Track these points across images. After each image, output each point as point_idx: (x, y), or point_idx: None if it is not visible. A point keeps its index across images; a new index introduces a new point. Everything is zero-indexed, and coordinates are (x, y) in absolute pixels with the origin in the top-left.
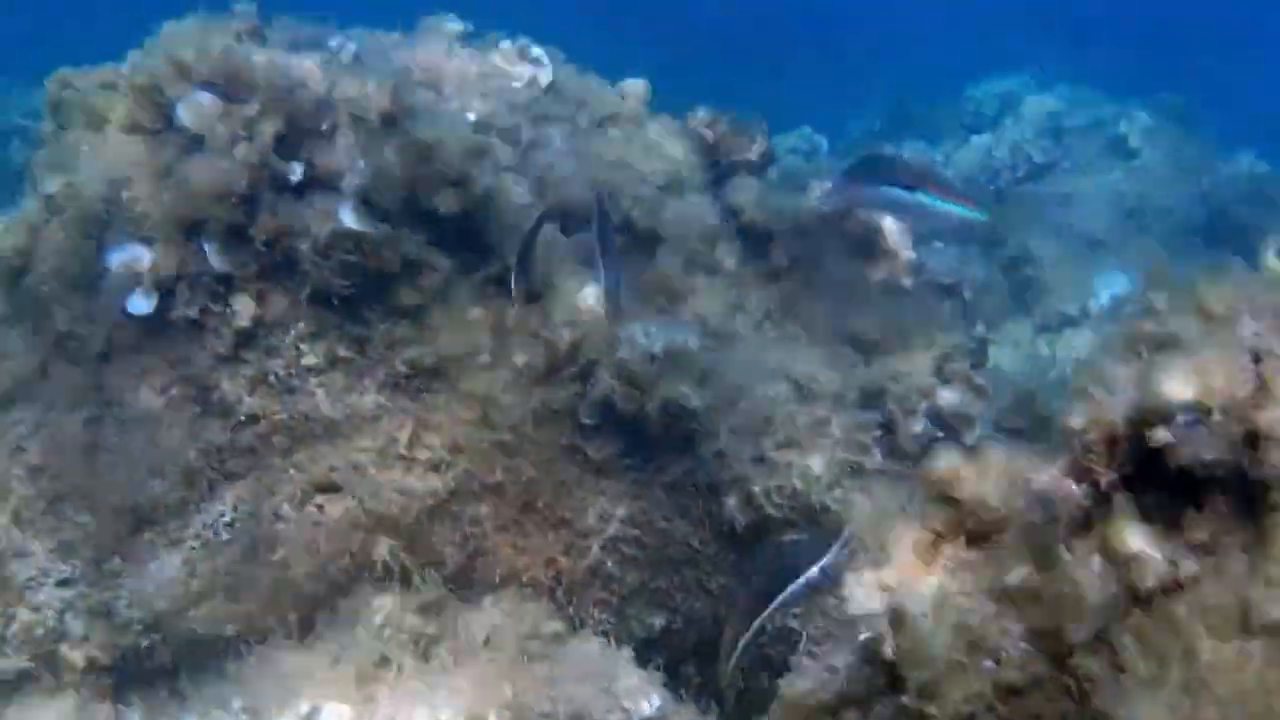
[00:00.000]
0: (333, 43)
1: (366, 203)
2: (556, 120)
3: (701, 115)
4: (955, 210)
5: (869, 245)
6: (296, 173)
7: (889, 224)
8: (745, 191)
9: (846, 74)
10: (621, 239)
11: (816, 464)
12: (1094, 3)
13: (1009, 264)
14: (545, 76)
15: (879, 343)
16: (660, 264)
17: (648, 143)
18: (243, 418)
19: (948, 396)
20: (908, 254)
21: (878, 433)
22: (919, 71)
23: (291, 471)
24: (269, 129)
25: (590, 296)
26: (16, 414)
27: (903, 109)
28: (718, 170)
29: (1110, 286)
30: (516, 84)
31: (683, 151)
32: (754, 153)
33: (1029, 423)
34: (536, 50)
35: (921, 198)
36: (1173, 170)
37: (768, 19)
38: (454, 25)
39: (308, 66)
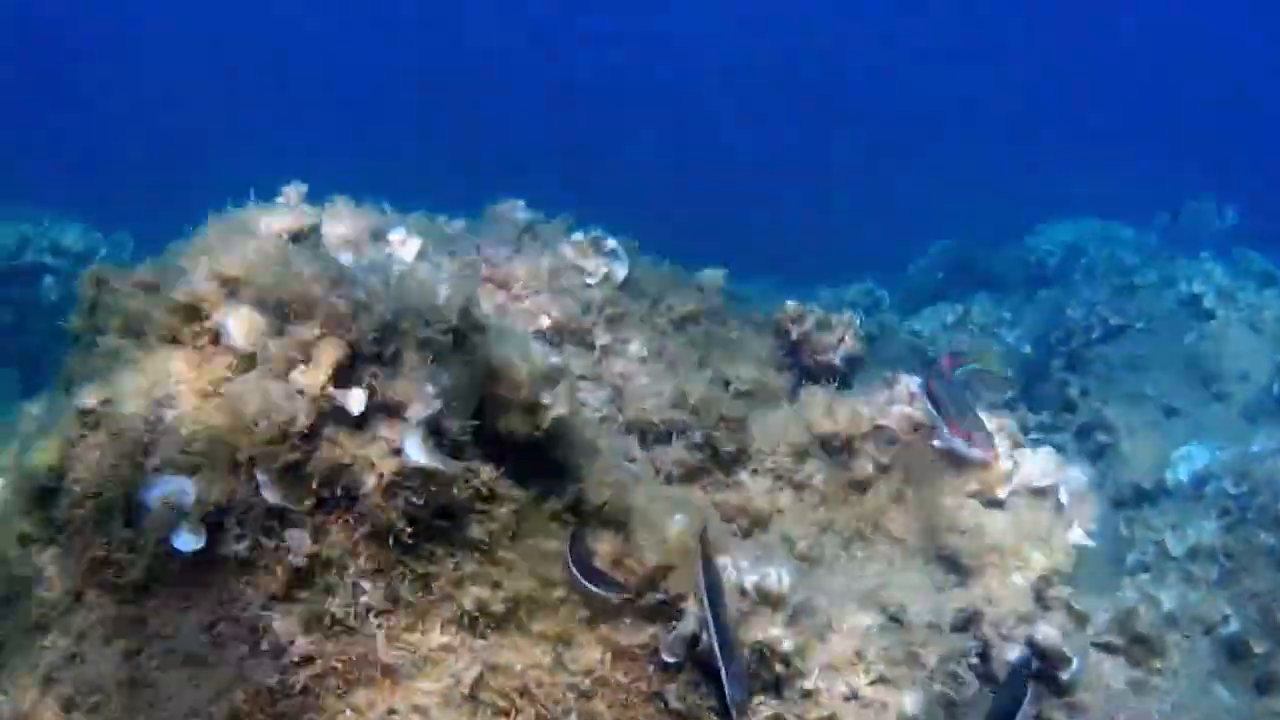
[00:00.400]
0: (393, 235)
1: (435, 432)
2: (632, 321)
3: (790, 309)
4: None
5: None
6: (359, 402)
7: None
8: (817, 404)
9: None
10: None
11: (909, 703)
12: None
13: (1081, 431)
14: (620, 271)
15: (972, 565)
16: (745, 485)
17: (729, 342)
18: (296, 659)
19: (1046, 631)
20: (1003, 463)
21: (974, 659)
22: (978, 212)
23: (348, 713)
24: (329, 358)
25: (678, 523)
26: (48, 642)
27: (963, 255)
28: (803, 372)
29: (1188, 460)
30: (590, 280)
31: (767, 350)
32: (838, 355)
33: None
34: (610, 242)
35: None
36: (1250, 332)
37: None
38: (523, 215)
39: (372, 285)
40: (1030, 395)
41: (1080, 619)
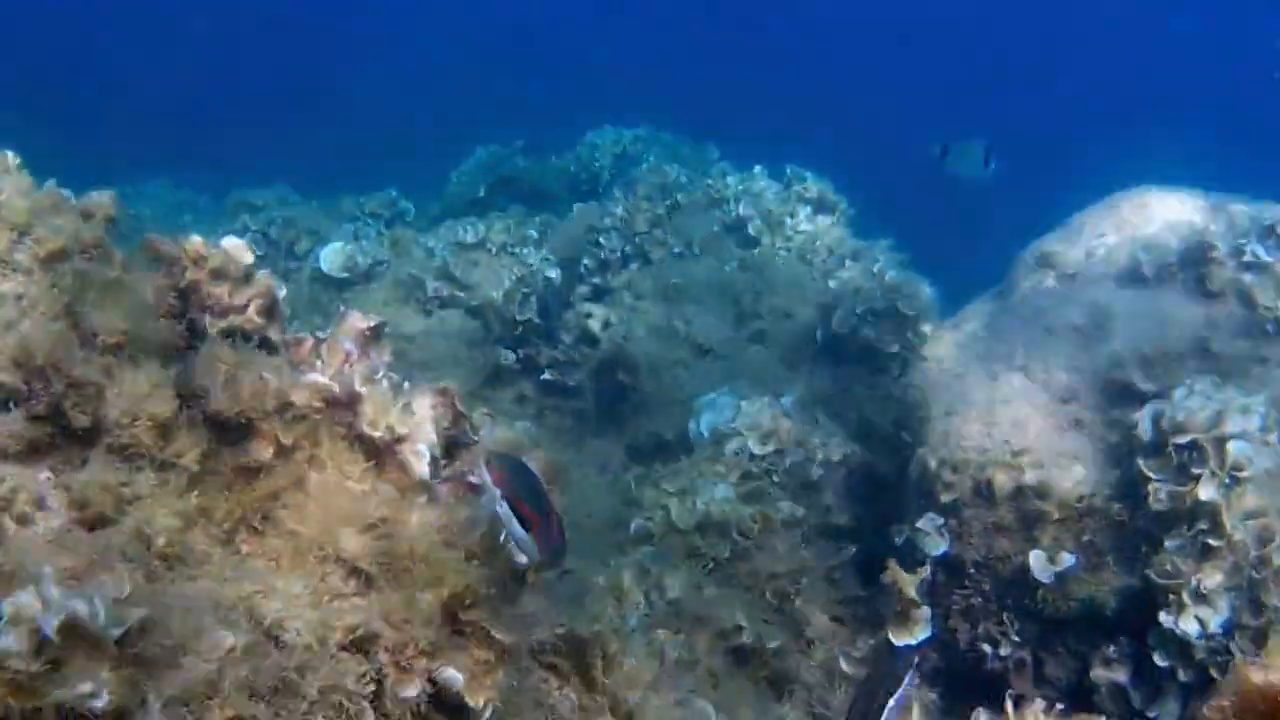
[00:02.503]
0: None
1: None
2: None
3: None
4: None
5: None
6: None
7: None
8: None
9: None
10: None
11: None
12: None
13: (600, 368)
14: None
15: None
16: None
17: (108, 284)
18: None
19: (449, 676)
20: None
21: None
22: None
23: None
24: None
25: None
26: None
27: (505, 164)
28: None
29: (713, 410)
30: None
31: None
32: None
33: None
34: None
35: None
36: (800, 264)
37: None
38: None
39: None
40: (549, 327)
41: (499, 650)
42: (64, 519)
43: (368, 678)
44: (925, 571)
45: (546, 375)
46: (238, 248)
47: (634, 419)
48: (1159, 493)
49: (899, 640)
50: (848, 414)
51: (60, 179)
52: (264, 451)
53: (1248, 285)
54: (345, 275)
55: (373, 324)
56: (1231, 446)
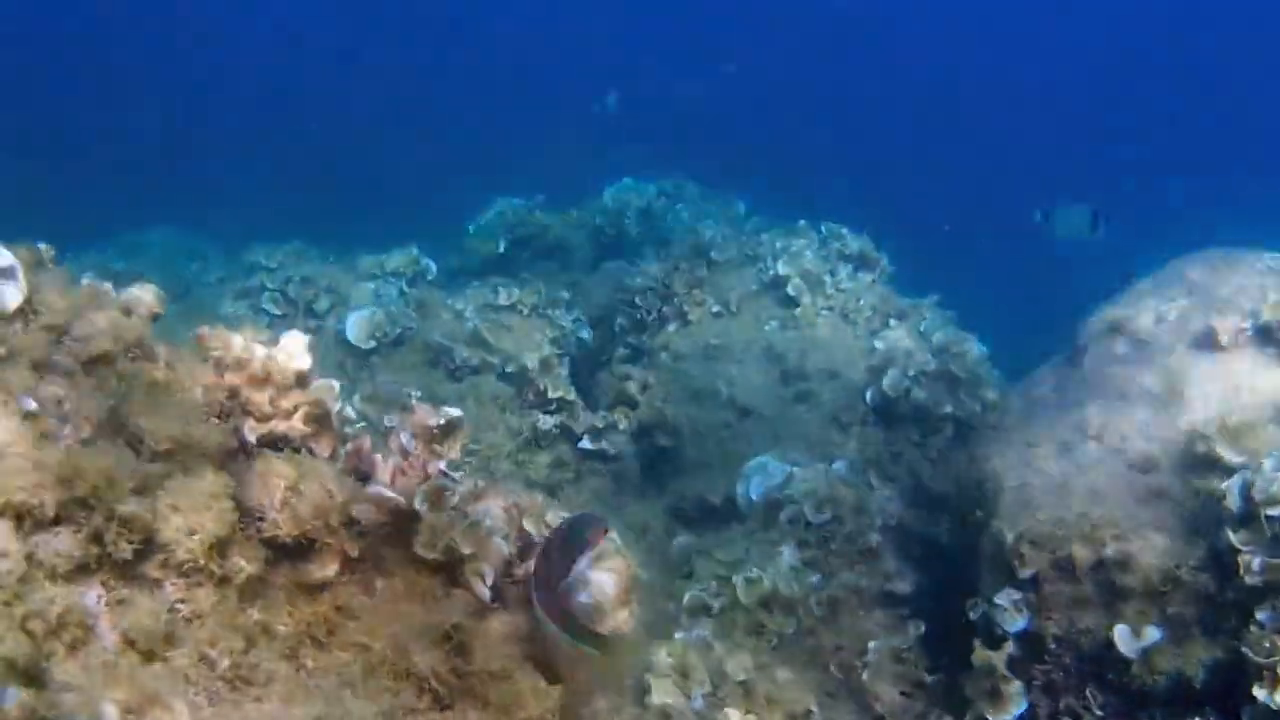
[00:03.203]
0: None
1: None
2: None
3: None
4: None
5: None
6: None
7: None
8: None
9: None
10: None
11: None
12: None
13: (640, 432)
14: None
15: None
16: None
17: (155, 385)
18: None
19: None
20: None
21: None
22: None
23: None
24: None
25: None
26: None
27: (526, 217)
28: None
29: (763, 474)
30: None
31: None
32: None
33: None
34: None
35: None
36: (843, 322)
37: None
38: None
39: None
40: (588, 390)
41: None
42: (115, 642)
43: None
44: (1009, 648)
45: (585, 444)
46: (297, 345)
47: (676, 482)
48: (1251, 564)
49: (993, 718)
50: (902, 479)
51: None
52: (329, 568)
53: None
54: (372, 345)
55: (442, 421)
56: None
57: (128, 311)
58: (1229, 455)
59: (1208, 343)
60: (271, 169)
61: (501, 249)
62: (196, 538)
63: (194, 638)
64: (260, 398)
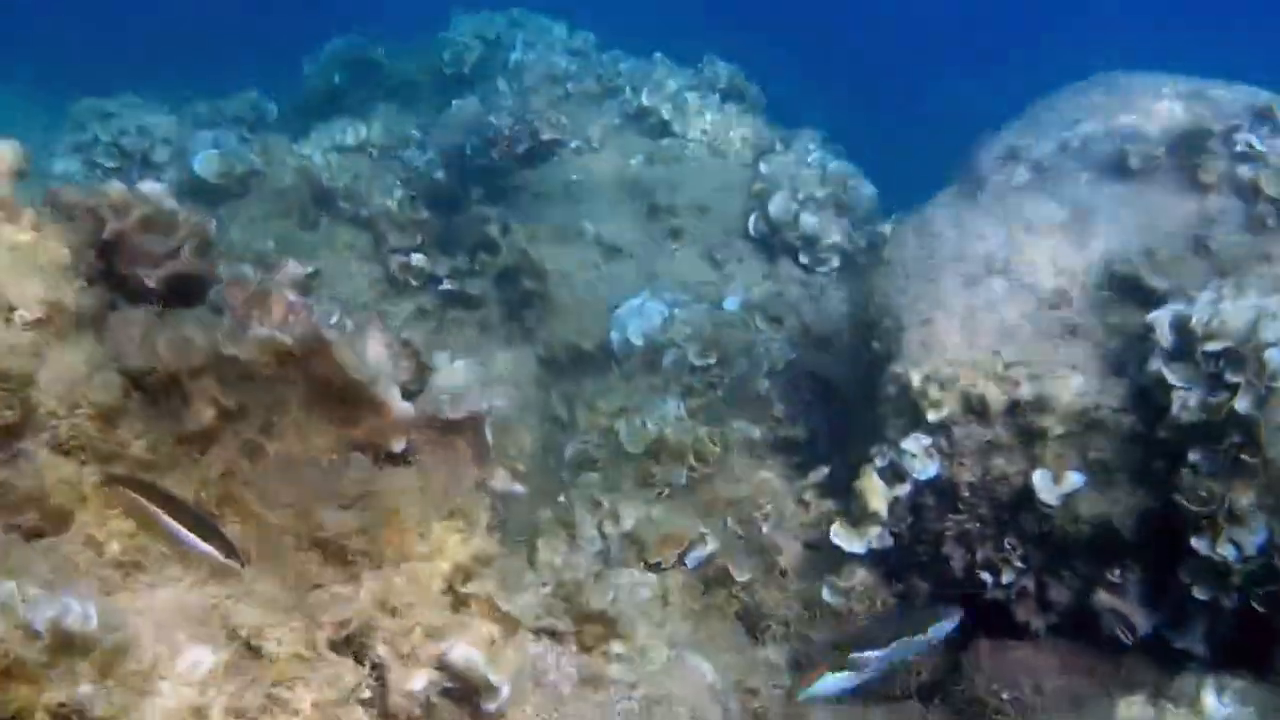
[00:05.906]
0: None
1: None
2: None
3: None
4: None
5: None
6: None
7: None
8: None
9: None
10: None
11: None
12: None
13: (503, 276)
14: None
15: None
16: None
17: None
18: None
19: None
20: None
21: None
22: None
23: None
24: None
25: None
26: None
27: (362, 54)
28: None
29: (640, 316)
30: None
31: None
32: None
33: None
34: None
35: None
36: (712, 156)
37: None
38: None
39: None
40: (444, 233)
41: (510, 625)
42: None
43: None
44: (902, 489)
45: (446, 285)
46: (158, 193)
47: (544, 328)
48: (1188, 403)
49: (838, 540)
50: (788, 318)
51: None
52: (204, 414)
53: (1245, 176)
54: (221, 183)
55: (309, 271)
56: (1269, 355)
57: None
58: (1157, 282)
59: (1117, 168)
60: (87, 16)
61: (335, 80)
62: (81, 411)
63: (79, 520)
64: (148, 240)
